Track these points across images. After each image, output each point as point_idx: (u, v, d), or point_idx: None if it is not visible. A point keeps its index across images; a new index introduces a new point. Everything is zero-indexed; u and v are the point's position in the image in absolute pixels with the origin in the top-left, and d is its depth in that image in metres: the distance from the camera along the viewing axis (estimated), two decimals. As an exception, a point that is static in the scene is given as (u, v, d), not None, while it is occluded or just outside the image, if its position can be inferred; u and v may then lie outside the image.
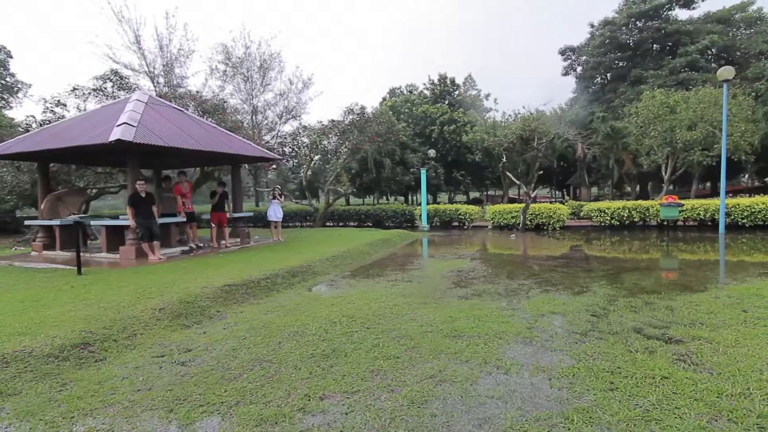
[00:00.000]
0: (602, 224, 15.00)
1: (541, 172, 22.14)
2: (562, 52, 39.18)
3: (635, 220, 14.42)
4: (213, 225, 11.04)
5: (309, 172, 16.45)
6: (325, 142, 17.13)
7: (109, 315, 4.73)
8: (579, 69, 38.77)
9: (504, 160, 19.31)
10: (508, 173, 18.27)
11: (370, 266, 9.01)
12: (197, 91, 22.76)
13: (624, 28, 34.13)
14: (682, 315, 4.79)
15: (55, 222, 10.16)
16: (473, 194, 45.73)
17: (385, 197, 37.96)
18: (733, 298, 5.49)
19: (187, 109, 16.76)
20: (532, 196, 16.11)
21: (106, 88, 18.01)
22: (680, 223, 14.32)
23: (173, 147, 9.03)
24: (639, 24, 33.90)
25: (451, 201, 41.62)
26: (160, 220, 10.10)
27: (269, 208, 12.88)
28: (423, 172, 16.49)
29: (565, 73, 39.90)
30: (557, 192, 45.33)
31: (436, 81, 35.21)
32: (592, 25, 36.26)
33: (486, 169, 33.13)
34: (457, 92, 35.45)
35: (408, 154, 30.51)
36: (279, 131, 32.28)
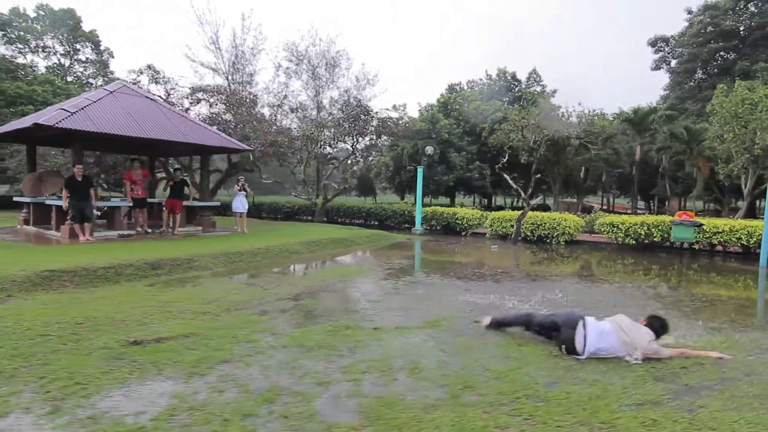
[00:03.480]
0: (617, 242, 12.36)
1: (539, 175, 19.21)
2: (653, 43, 33.99)
3: (655, 239, 11.57)
4: (165, 210, 11.28)
5: (305, 167, 16.15)
6: (327, 133, 16.64)
7: None
8: (673, 62, 33.30)
9: (503, 161, 17.06)
10: (506, 176, 16.06)
11: (262, 266, 8.38)
12: (265, 87, 23.66)
13: (730, 12, 28.38)
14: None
15: (27, 199, 11.19)
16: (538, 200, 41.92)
17: (429, 197, 36.45)
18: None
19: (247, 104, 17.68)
20: (532, 203, 13.91)
21: (139, 81, 19.69)
22: (719, 248, 11.21)
23: (105, 133, 9.31)
24: (751, 7, 27.91)
25: (492, 206, 38.71)
26: (107, 204, 10.53)
27: (234, 200, 12.85)
28: (420, 169, 15.22)
29: (656, 68, 34.61)
30: (642, 203, 39.58)
31: (494, 76, 32.76)
32: (690, 11, 30.78)
33: (541, 173, 30.00)
34: (517, 88, 32.59)
35: (451, 152, 28.84)
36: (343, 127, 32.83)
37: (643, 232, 11.63)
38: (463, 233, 15.21)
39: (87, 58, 40.45)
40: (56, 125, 8.63)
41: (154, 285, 6.37)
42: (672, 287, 7.70)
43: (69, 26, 37.95)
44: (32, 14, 37.23)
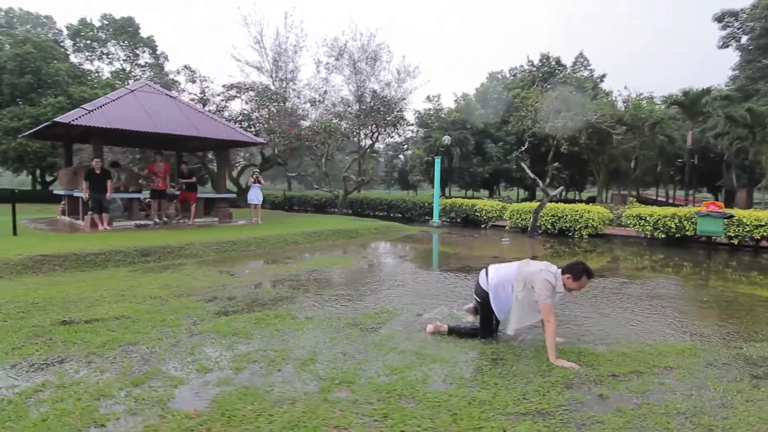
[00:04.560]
0: (645, 236, 11.22)
1: (557, 164, 17.67)
2: (719, 18, 30.63)
3: (688, 233, 10.33)
4: (178, 202, 11.84)
5: (326, 160, 16.25)
6: (344, 125, 16.60)
7: None
8: (743, 39, 29.83)
9: (522, 149, 15.98)
10: (523, 165, 15.03)
11: (251, 256, 8.51)
12: (306, 83, 24.41)
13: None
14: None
15: (63, 192, 12.20)
16: (589, 193, 39.50)
17: (468, 190, 35.41)
18: None
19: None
20: (551, 194, 12.96)
21: (178, 80, 20.83)
22: (765, 244, 9.81)
23: (115, 128, 9.90)
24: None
25: (526, 198, 36.60)
26: (124, 196, 11.24)
27: (249, 192, 13.20)
28: (437, 160, 14.77)
29: (723, 45, 31.14)
30: (710, 196, 35.91)
31: (536, 62, 31.06)
32: (765, -23, 27.27)
33: (587, 163, 28.20)
34: (561, 74, 30.68)
35: (488, 143, 27.84)
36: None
37: (673, 225, 10.46)
38: (483, 226, 14.62)
39: (145, 62, 43.42)
40: (72, 123, 9.30)
41: (136, 271, 6.68)
42: (699, 286, 6.84)
43: (129, 33, 40.97)
44: (97, 24, 40.56)
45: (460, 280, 6.55)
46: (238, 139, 12.56)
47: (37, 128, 11.31)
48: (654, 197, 35.16)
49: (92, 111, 9.96)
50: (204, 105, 20.90)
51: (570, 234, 12.26)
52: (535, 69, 30.82)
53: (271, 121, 20.98)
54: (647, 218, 10.92)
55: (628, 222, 11.46)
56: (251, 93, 20.68)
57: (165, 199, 11.74)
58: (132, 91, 11.73)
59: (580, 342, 3.90)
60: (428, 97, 29.13)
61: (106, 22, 40.97)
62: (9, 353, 3.38)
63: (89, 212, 10.31)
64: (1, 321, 4.09)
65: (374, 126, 16.20)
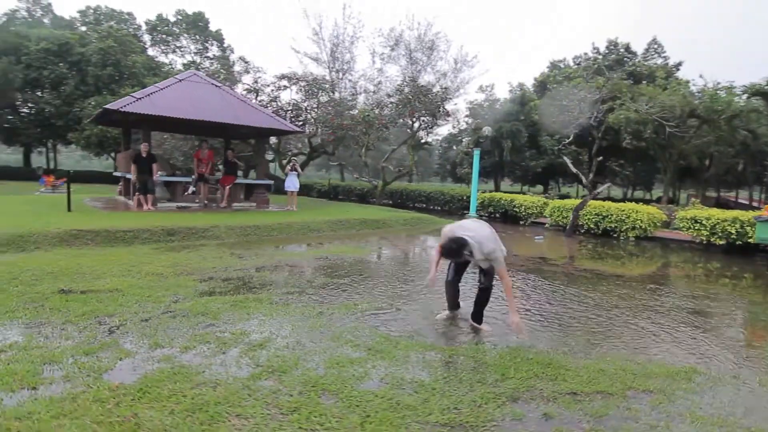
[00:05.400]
0: (701, 241, 9.98)
1: (600, 158, 15.84)
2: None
3: (751, 240, 8.99)
4: (221, 186, 12.44)
5: (365, 149, 16.22)
6: (385, 112, 16.43)
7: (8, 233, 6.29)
8: None
9: (566, 141, 14.64)
10: (566, 158, 13.78)
11: (269, 240, 8.72)
12: (362, 74, 24.95)
13: None
14: None
15: (119, 174, 13.28)
16: (659, 192, 36.19)
17: (523, 185, 33.84)
18: None
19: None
20: (595, 191, 11.89)
21: (234, 70, 21.79)
22: None
23: (159, 115, 10.55)
24: None
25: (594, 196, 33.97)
26: (168, 179, 12.00)
27: (287, 179, 13.55)
28: (476, 153, 14.18)
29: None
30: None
31: (602, 49, 28.74)
32: None
33: (655, 159, 25.82)
34: (631, 62, 28.14)
35: (543, 135, 26.40)
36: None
37: (734, 231, 9.20)
38: (522, 222, 13.89)
39: (213, 55, 46.00)
40: (120, 109, 10.05)
41: (158, 249, 7.10)
42: (750, 303, 6.01)
43: (199, 27, 43.60)
44: (172, 19, 43.54)
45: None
46: (276, 127, 12.90)
47: (96, 114, 12.39)
48: (735, 199, 31.48)
49: (140, 99, 10.69)
50: (257, 95, 21.71)
51: (615, 235, 11.28)
52: (601, 57, 28.54)
53: (318, 111, 21.40)
54: (704, 222, 9.73)
55: (682, 225, 10.28)
56: (301, 83, 21.14)
57: (207, 183, 12.40)
58: (180, 80, 12.43)
59: (557, 351, 3.55)
60: (481, 87, 28.17)
61: (180, 17, 43.84)
62: (1, 316, 3.71)
63: (136, 193, 11.15)
64: (12, 286, 4.52)
65: (411, 115, 15.91)
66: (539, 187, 33.52)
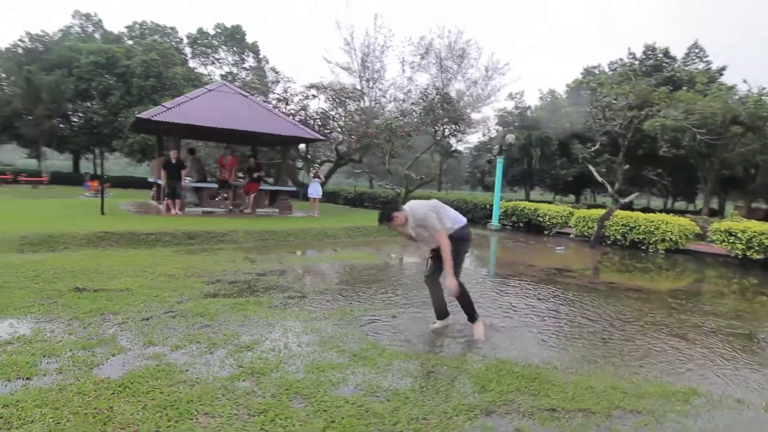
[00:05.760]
0: (736, 255, 9.34)
1: (627, 167, 14.92)
2: None
3: None
4: (244, 193, 12.83)
5: (389, 157, 16.25)
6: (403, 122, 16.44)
7: (42, 233, 6.81)
8: None
9: (593, 148, 14.01)
10: (591, 167, 13.18)
11: (284, 245, 8.87)
12: (390, 84, 25.35)
13: None
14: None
15: (152, 179, 13.94)
16: (700, 203, 34.26)
17: (552, 193, 32.88)
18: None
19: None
20: (623, 202, 11.37)
21: (261, 82, 22.49)
22: None
23: (186, 124, 11.03)
24: None
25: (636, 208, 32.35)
26: (196, 184, 12.49)
27: (309, 186, 13.83)
28: (499, 161, 13.94)
29: None
30: None
31: (639, 54, 27.66)
32: None
33: (696, 169, 24.55)
34: (669, 67, 26.93)
35: (575, 143, 25.66)
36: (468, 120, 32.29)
37: (774, 246, 8.60)
38: (546, 232, 13.51)
39: (249, 66, 47.66)
40: (152, 118, 10.59)
41: (178, 252, 7.40)
42: None
43: (237, 40, 45.36)
44: (212, 32, 45.53)
45: (474, 286, 6.14)
46: (300, 135, 13.20)
47: (131, 123, 13.10)
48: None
49: (171, 108, 11.23)
50: (286, 103, 22.31)
51: (643, 247, 10.78)
52: (638, 62, 27.50)
53: (345, 119, 21.73)
54: (739, 234, 9.13)
55: (716, 238, 9.69)
56: (329, 92, 21.57)
57: (230, 189, 12.84)
58: (209, 90, 12.97)
59: (549, 365, 3.43)
60: (510, 95, 27.75)
61: (218, 30, 45.78)
62: (18, 310, 3.98)
63: (165, 197, 11.67)
64: (34, 283, 4.83)
65: (433, 123, 15.85)
66: (572, 197, 32.52)
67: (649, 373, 3.44)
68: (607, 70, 32.46)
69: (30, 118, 29.93)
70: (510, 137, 13.41)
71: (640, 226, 10.78)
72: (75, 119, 35.87)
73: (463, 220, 4.03)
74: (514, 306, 5.24)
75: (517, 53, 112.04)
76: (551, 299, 5.72)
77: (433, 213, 3.81)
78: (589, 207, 15.47)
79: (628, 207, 12.00)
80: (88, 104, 35.08)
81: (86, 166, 43.71)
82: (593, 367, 3.49)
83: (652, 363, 3.70)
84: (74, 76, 32.58)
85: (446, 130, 16.83)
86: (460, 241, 3.87)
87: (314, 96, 22.51)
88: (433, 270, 4.12)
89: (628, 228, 11.03)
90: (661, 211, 13.17)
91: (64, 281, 4.99)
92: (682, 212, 22.43)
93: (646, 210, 24.22)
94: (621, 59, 28.54)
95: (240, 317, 4.14)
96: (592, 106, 17.82)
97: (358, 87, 26.17)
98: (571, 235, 12.62)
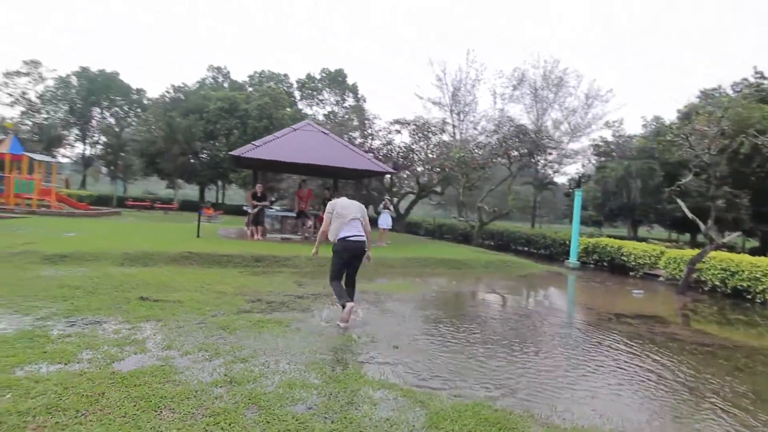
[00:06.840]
0: None
1: (721, 201, 11.75)
2: None
3: None
4: (319, 222, 13.83)
5: (463, 189, 16.14)
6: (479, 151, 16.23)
7: (141, 251, 8.43)
8: None
9: (682, 180, 11.85)
10: (680, 202, 11.08)
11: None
12: (482, 116, 25.98)
13: None
14: None
15: (247, 208, 15.75)
16: None
17: (663, 229, 28.95)
18: None
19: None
20: (720, 242, 9.58)
21: (349, 117, 24.19)
22: None
23: (269, 159, 12.43)
24: None
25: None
26: (279, 213, 13.82)
27: (380, 217, 14.38)
28: (578, 194, 12.97)
29: None
30: None
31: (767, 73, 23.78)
32: None
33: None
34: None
35: (686, 174, 22.71)
36: (565, 150, 31.04)
37: None
38: (633, 273, 12.11)
39: (349, 105, 51.46)
40: (241, 156, 12.17)
41: (243, 273, 8.32)
42: None
43: (338, 82, 49.59)
44: (318, 76, 50.43)
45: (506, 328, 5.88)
46: (371, 169, 13.96)
47: (230, 158, 15.10)
48: None
49: (259, 146, 12.79)
50: (372, 139, 23.66)
51: (749, 295, 9.10)
52: (767, 81, 23.68)
53: (427, 152, 22.29)
54: None
55: None
56: (411, 127, 22.43)
57: (306, 218, 13.96)
58: (295, 129, 14.48)
59: (527, 413, 3.22)
60: (606, 123, 25.76)
61: (324, 74, 50.58)
62: (93, 311, 4.94)
63: (250, 224, 13.13)
64: (114, 291, 5.91)
65: (506, 154, 15.43)
66: (687, 236, 28.50)
67: (652, 424, 3.05)
68: (730, 91, 28.51)
69: (168, 155, 35.89)
70: (589, 168, 12.44)
71: (743, 271, 9.17)
72: (203, 155, 42.03)
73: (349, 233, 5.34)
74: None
75: (618, 79, 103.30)
76: (581, 346, 5.23)
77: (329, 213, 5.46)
78: (695, 246, 13.52)
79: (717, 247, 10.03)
80: (214, 143, 40.97)
81: (210, 195, 50.64)
82: (575, 418, 3.19)
83: (670, 413, 3.24)
84: (204, 120, 38.48)
85: (521, 161, 16.28)
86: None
87: (398, 131, 23.54)
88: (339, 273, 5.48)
89: (728, 273, 9.44)
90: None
91: (137, 291, 6.01)
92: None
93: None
94: (746, 79, 24.91)
95: (255, 333, 4.60)
96: (683, 134, 15.83)
97: (449, 121, 26.72)
98: (661, 278, 11.15)
